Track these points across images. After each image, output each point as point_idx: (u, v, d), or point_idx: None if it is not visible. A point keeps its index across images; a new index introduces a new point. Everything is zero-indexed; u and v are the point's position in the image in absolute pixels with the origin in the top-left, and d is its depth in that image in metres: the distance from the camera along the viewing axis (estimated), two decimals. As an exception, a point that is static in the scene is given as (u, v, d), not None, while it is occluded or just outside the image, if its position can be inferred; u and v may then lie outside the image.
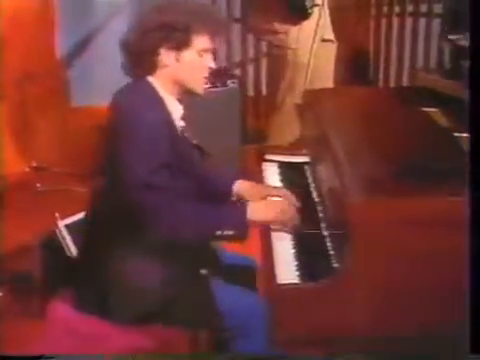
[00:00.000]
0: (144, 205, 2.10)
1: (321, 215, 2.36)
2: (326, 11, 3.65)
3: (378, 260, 1.97)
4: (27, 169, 4.35)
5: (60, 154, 4.35)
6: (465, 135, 2.35)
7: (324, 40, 3.68)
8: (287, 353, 2.01)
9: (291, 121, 3.27)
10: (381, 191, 2.04)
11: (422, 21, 4.92)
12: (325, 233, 2.26)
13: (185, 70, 2.22)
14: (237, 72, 4.74)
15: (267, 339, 2.04)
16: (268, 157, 2.79)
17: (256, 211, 2.23)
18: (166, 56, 2.19)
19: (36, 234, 3.07)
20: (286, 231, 2.26)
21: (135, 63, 2.23)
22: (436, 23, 4.82)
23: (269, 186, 2.56)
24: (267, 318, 2.03)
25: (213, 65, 2.25)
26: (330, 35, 3.71)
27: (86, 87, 4.75)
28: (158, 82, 2.23)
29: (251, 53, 4.86)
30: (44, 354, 2.12)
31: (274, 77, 3.85)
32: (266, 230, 2.30)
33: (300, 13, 3.57)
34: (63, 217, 2.97)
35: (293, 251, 2.18)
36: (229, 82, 3.98)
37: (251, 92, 4.87)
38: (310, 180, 2.62)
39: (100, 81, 4.58)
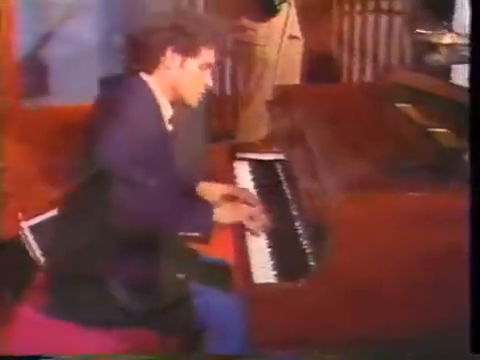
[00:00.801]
0: (120, 199, 2.07)
1: (295, 213, 2.33)
2: (293, 8, 3.63)
3: (356, 258, 1.94)
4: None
5: (22, 154, 4.26)
6: (441, 130, 2.35)
7: (291, 37, 3.66)
8: (265, 353, 1.97)
9: (260, 118, 3.25)
10: (358, 187, 2.02)
11: (385, 18, 4.94)
12: (300, 231, 2.22)
13: (185, 79, 2.20)
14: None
15: (245, 339, 2.00)
16: (239, 155, 2.75)
17: (222, 215, 2.22)
18: (171, 58, 2.17)
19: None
20: (259, 231, 2.23)
21: (137, 58, 2.20)
22: (398, 20, 4.85)
23: (230, 186, 2.52)
24: (244, 318, 2.00)
25: (211, 83, 2.25)
26: (297, 32, 3.70)
27: (45, 87, 4.67)
28: (155, 82, 2.20)
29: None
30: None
31: (241, 75, 3.83)
32: (239, 230, 2.26)
33: (269, 10, 3.55)
34: (27, 218, 2.90)
35: (268, 250, 2.15)
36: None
37: (217, 91, 4.82)
38: (282, 178, 2.58)
39: (59, 81, 4.51)
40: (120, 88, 2.20)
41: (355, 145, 2.25)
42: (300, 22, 3.70)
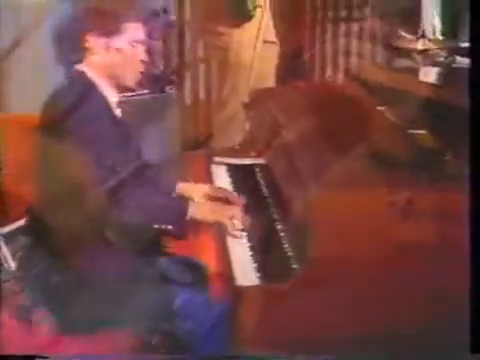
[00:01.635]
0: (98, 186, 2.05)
1: (276, 216, 2.31)
2: (268, 12, 3.63)
3: (339, 259, 1.93)
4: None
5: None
6: (420, 132, 2.35)
7: (266, 41, 3.65)
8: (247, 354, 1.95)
9: (236, 122, 3.23)
10: (339, 186, 2.01)
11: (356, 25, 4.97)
12: (282, 234, 2.20)
13: (115, 59, 2.17)
14: (174, 77, 4.65)
15: (225, 341, 1.98)
16: (216, 160, 2.73)
17: (202, 212, 2.19)
18: (94, 43, 2.15)
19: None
20: (240, 232, 2.21)
21: (65, 50, 2.19)
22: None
23: (212, 186, 2.51)
24: (225, 320, 1.98)
25: (145, 58, 2.22)
26: (272, 37, 3.69)
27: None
28: (89, 68, 2.19)
29: (188, 57, 4.78)
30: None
31: (216, 79, 3.81)
32: (220, 232, 2.23)
33: (242, 15, 3.54)
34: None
35: (251, 253, 2.12)
36: (167, 88, 3.94)
37: (189, 97, 4.80)
38: (261, 181, 2.56)
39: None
40: (65, 84, 2.19)
41: (334, 144, 2.24)
42: (275, 27, 3.70)
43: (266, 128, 2.62)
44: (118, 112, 2.24)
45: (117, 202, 2.07)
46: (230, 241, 2.19)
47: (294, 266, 2.02)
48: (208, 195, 2.37)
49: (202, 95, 4.73)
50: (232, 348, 1.96)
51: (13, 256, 2.84)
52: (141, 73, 2.23)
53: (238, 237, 2.18)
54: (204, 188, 2.42)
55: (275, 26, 3.71)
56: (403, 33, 3.89)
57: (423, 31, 3.76)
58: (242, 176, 2.64)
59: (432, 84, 2.75)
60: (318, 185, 2.03)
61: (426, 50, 3.65)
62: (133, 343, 2.11)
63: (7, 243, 2.92)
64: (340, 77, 4.92)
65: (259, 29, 3.59)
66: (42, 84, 2.39)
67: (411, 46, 3.72)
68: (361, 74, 2.97)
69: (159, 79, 3.94)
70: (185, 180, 2.48)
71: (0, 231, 2.91)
